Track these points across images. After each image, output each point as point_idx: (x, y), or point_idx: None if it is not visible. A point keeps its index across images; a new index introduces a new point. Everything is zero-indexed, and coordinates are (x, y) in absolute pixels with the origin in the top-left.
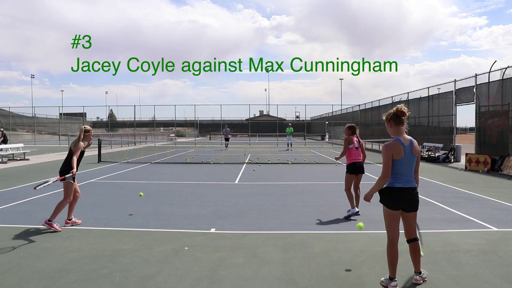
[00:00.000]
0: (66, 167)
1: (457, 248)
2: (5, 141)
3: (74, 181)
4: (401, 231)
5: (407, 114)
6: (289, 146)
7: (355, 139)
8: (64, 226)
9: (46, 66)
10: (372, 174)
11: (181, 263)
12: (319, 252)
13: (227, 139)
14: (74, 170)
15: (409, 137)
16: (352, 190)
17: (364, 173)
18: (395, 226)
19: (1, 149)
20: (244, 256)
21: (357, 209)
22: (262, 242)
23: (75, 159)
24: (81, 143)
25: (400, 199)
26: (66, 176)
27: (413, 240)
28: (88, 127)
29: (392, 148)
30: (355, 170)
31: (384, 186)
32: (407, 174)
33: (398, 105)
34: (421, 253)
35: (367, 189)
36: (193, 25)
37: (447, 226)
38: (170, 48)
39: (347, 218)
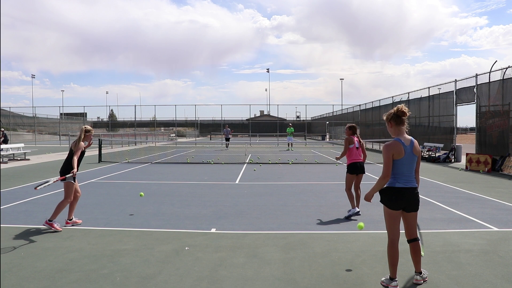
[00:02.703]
0: (66, 167)
1: (458, 248)
2: (5, 141)
3: (74, 181)
4: (402, 231)
5: (407, 114)
6: (290, 146)
7: (355, 139)
8: (65, 226)
9: (46, 66)
10: (373, 174)
11: (181, 263)
12: (320, 252)
13: (227, 139)
14: (75, 170)
15: (410, 137)
16: (352, 190)
17: (364, 173)
18: (395, 226)
19: (2, 149)
20: (245, 256)
21: (357, 209)
22: (263, 242)
23: (75, 159)
24: (82, 143)
25: (400, 199)
26: (67, 176)
27: (413, 240)
28: (88, 127)
29: (393, 148)
30: (355, 170)
31: (385, 186)
32: (408, 174)
33: (399, 105)
34: (422, 253)
35: (367, 189)
36: (193, 25)
37: (447, 226)
38: (170, 48)
39: (348, 218)
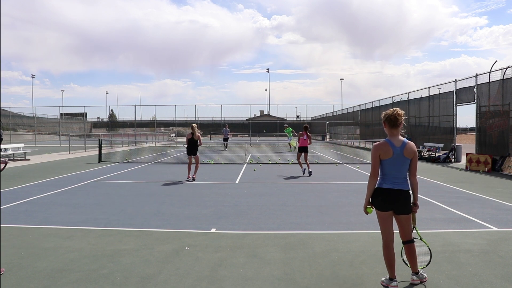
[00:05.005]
0: (194, 148)
1: (458, 248)
2: None
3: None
4: (396, 231)
5: (399, 120)
6: (293, 148)
7: (304, 133)
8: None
9: (46, 66)
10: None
11: (181, 263)
12: (320, 252)
13: (226, 139)
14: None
15: (403, 139)
16: (302, 160)
17: (307, 152)
18: (386, 227)
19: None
20: (245, 256)
21: (306, 169)
22: (263, 242)
23: (200, 139)
24: (197, 134)
25: (387, 200)
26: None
27: (408, 242)
28: (194, 124)
29: (379, 148)
30: (300, 150)
31: (376, 187)
32: (396, 176)
33: (395, 109)
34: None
35: (363, 189)
36: (193, 25)
37: (447, 226)
38: (170, 48)
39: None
